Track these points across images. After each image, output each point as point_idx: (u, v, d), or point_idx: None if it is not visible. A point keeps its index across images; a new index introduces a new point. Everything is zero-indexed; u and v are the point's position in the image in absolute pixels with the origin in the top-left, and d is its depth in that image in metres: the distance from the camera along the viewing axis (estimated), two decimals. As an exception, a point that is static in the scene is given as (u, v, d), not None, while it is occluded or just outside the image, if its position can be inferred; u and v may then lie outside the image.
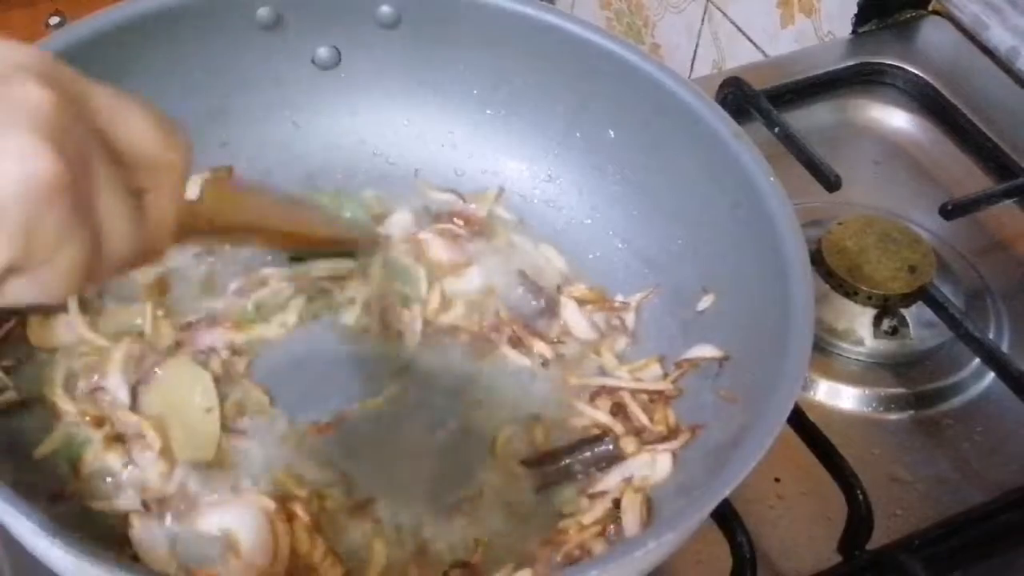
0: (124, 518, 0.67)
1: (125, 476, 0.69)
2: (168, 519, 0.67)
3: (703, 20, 1.36)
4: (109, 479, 0.68)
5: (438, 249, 0.81)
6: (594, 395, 0.75)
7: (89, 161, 0.48)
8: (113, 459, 0.69)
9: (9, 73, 0.47)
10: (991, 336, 0.87)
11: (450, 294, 0.80)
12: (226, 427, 0.72)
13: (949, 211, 0.93)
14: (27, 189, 0.45)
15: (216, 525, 0.67)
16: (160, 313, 0.76)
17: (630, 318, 0.79)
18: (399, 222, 0.83)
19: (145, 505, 0.67)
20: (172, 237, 0.53)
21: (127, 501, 0.68)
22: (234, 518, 0.67)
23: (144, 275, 0.77)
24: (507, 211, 0.84)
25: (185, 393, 0.72)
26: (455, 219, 0.83)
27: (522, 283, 0.81)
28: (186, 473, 0.69)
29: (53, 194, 0.45)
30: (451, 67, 0.84)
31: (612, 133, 0.82)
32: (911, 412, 0.84)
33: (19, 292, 0.47)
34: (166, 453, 0.69)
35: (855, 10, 1.12)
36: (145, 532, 0.66)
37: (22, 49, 0.48)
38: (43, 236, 0.46)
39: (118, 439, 0.70)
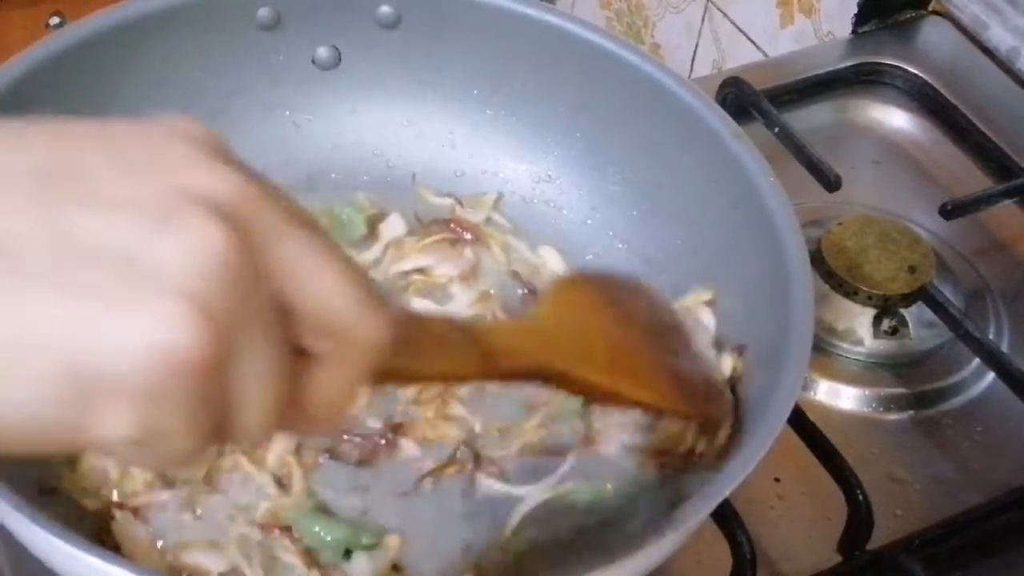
0: (107, 513, 0.67)
1: (116, 478, 0.68)
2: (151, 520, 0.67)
3: (703, 20, 1.36)
4: (102, 478, 0.68)
5: (438, 265, 0.81)
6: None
7: (245, 329, 0.38)
8: (110, 461, 0.68)
9: (181, 203, 0.38)
10: (991, 336, 0.87)
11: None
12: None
13: (949, 211, 0.93)
14: (157, 362, 0.36)
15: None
16: None
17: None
18: (393, 226, 0.83)
19: (121, 505, 0.67)
20: (342, 411, 0.44)
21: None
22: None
23: None
24: (503, 216, 0.84)
25: None
26: (451, 225, 0.83)
27: (518, 286, 0.81)
28: (173, 487, 0.68)
29: (187, 374, 0.37)
30: (451, 67, 0.84)
31: (612, 133, 0.82)
32: (911, 412, 0.84)
33: (130, 457, 0.39)
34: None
35: (855, 10, 1.12)
36: (127, 525, 0.66)
37: (216, 167, 0.39)
38: (163, 415, 0.37)
39: None
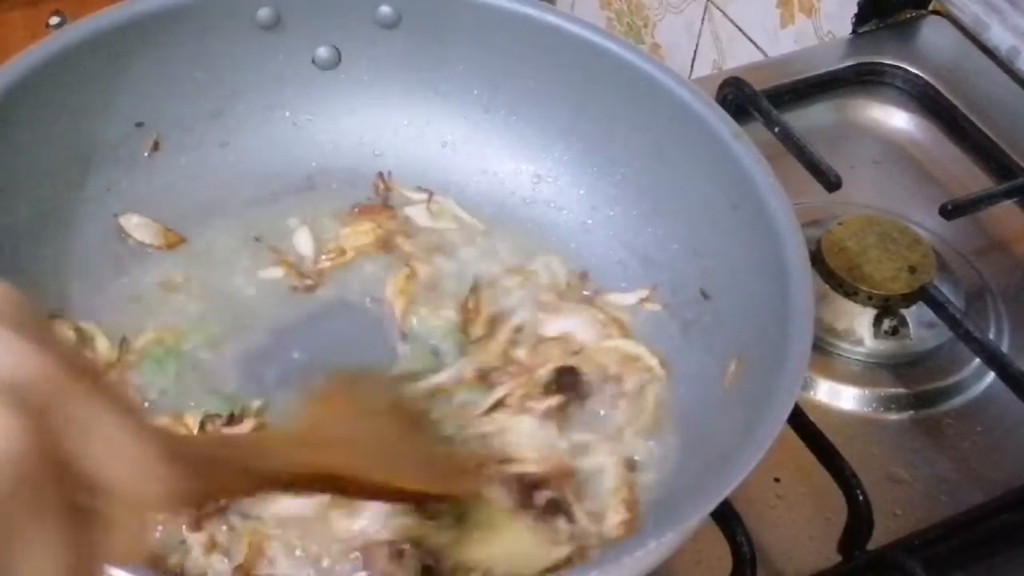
0: None
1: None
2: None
3: (703, 20, 1.36)
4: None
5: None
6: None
7: (22, 518, 0.39)
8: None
9: None
10: (991, 336, 0.87)
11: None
12: None
13: (949, 211, 0.93)
14: None
15: None
16: None
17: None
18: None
19: None
20: (129, 555, 0.45)
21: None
22: None
23: None
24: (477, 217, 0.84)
25: None
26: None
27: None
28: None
29: None
30: (451, 67, 0.84)
31: (612, 133, 0.82)
32: (911, 412, 0.84)
33: None
34: None
35: (855, 10, 1.12)
36: None
37: (13, 343, 0.40)
38: None
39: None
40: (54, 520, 0.41)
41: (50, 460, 0.40)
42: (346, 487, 0.60)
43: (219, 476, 0.52)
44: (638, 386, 0.75)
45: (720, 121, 0.76)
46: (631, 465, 0.72)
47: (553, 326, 0.78)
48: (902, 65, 1.07)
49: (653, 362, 0.76)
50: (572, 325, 0.78)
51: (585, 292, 0.81)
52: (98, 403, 0.42)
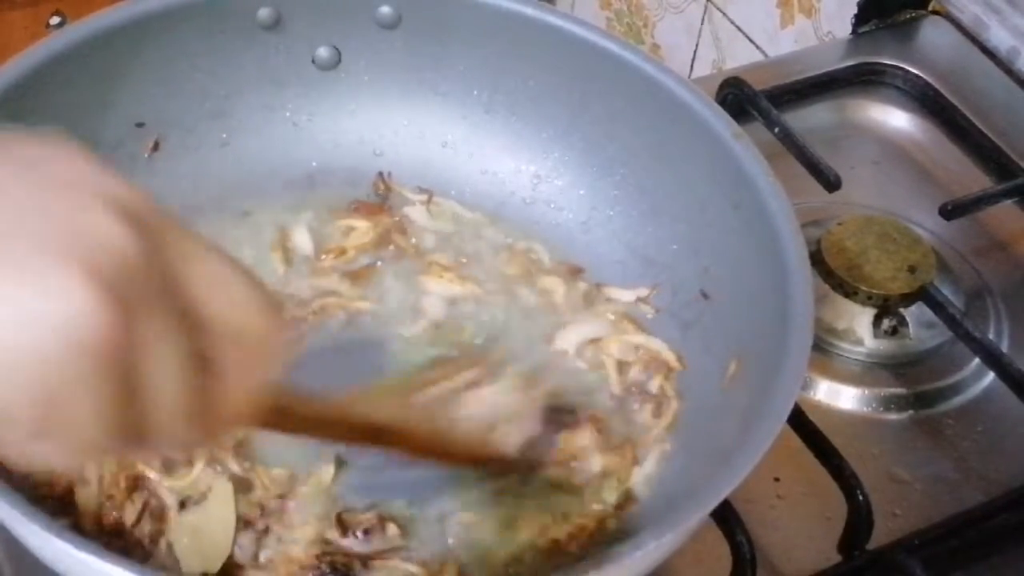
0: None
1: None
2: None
3: (703, 20, 1.36)
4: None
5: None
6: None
7: (149, 319, 0.40)
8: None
9: (88, 202, 0.40)
10: (991, 336, 0.87)
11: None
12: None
13: (949, 211, 0.93)
14: (61, 340, 0.37)
15: None
16: None
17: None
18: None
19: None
20: (243, 421, 0.46)
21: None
22: None
23: None
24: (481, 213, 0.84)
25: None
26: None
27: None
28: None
29: (93, 354, 0.38)
30: (451, 67, 0.84)
31: (612, 133, 0.82)
32: (911, 412, 0.84)
33: (32, 455, 0.40)
34: None
35: (855, 10, 1.12)
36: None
37: (117, 181, 0.41)
38: (70, 400, 0.38)
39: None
40: (175, 340, 0.41)
41: (165, 282, 0.41)
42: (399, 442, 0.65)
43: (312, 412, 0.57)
44: (660, 387, 0.76)
45: (720, 121, 0.76)
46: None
47: (574, 333, 0.78)
48: (902, 65, 1.07)
49: (671, 356, 0.76)
50: (589, 330, 0.78)
51: (583, 284, 0.81)
52: (208, 248, 0.44)
